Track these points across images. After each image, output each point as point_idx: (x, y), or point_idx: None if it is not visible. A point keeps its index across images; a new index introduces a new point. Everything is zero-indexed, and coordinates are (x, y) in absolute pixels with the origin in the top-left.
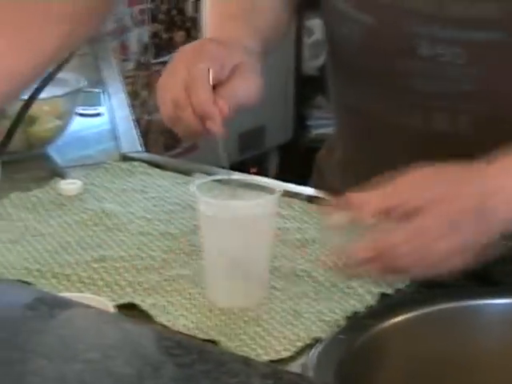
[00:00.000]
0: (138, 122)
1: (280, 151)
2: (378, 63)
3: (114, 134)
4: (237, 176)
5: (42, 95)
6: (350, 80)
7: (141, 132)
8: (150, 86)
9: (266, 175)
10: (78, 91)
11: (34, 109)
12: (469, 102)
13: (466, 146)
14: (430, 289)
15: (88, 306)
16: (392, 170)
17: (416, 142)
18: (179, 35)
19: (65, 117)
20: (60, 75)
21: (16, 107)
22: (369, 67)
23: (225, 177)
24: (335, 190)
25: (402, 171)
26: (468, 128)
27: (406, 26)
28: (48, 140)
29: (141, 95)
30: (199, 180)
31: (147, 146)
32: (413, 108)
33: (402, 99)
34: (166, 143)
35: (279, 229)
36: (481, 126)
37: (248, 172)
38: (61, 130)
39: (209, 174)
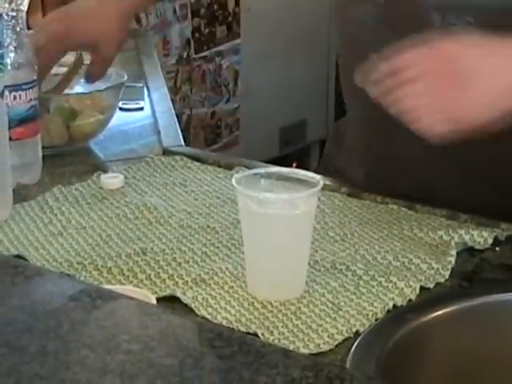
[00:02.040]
0: (178, 116)
1: (321, 146)
2: (393, 40)
3: (155, 129)
4: (277, 169)
5: (84, 89)
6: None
7: (182, 127)
8: (191, 80)
9: (307, 169)
10: (120, 86)
11: (76, 103)
12: None
13: None
14: (470, 283)
15: (130, 298)
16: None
17: None
18: (220, 30)
19: (107, 111)
20: None
21: (57, 103)
22: (383, 47)
23: (265, 170)
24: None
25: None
26: None
27: None
28: (90, 134)
29: (182, 90)
30: (240, 174)
31: (188, 140)
32: None
33: None
34: (207, 138)
35: (319, 222)
36: None
37: (289, 166)
38: (103, 124)
39: (250, 168)
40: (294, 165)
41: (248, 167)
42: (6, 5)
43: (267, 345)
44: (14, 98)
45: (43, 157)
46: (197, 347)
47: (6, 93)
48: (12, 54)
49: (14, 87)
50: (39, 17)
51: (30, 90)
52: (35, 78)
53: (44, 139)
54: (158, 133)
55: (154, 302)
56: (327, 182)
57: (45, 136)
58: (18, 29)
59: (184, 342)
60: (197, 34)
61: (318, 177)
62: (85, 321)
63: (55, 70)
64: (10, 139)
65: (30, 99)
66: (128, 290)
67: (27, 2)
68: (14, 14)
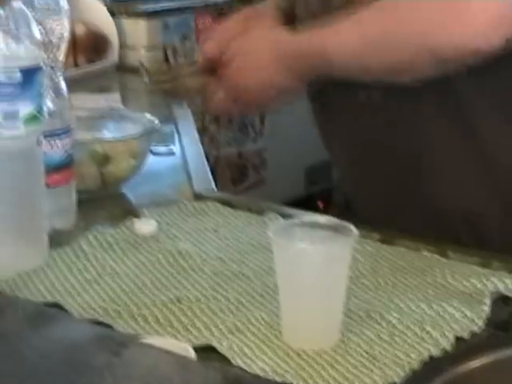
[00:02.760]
0: (207, 157)
1: None
2: None
3: (186, 172)
4: (312, 218)
5: (117, 135)
6: None
7: (210, 167)
8: (218, 121)
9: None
10: (152, 131)
11: (110, 149)
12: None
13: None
14: (505, 332)
15: (171, 353)
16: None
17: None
18: None
19: (139, 156)
20: (133, 115)
21: (91, 148)
22: None
23: (300, 220)
24: None
25: None
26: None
27: None
28: (123, 179)
29: (209, 130)
30: (275, 224)
31: (215, 180)
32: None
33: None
34: (234, 178)
35: (352, 270)
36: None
37: (315, 207)
38: (136, 169)
39: (280, 213)
40: (320, 205)
41: (279, 212)
42: (44, 55)
43: None
44: (50, 145)
45: (76, 201)
46: None
47: (43, 140)
48: (48, 102)
49: (50, 135)
50: (70, 61)
51: (66, 138)
52: (71, 125)
53: (77, 184)
54: (189, 177)
55: (193, 355)
56: (359, 229)
57: (78, 181)
58: (56, 79)
59: None
60: None
61: (351, 226)
62: (127, 376)
63: (85, 112)
64: (46, 186)
65: (66, 146)
66: (168, 342)
67: (64, 50)
68: (51, 63)
